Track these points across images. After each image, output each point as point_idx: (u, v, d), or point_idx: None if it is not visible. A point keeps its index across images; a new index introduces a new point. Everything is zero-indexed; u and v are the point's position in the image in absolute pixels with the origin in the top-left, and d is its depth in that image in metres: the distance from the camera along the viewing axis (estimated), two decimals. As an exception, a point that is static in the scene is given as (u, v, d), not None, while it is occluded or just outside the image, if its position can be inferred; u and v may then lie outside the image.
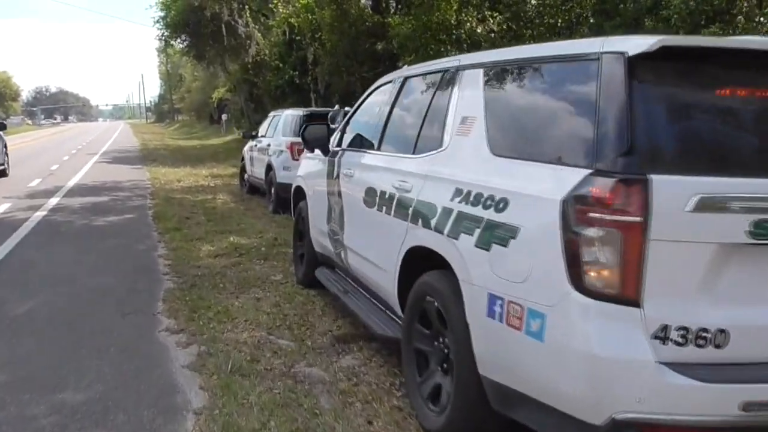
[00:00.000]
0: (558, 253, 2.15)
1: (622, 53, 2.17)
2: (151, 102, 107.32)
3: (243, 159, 12.51)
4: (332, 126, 5.18)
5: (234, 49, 23.68)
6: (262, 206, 10.57)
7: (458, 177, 2.81)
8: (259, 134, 11.55)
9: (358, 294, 4.23)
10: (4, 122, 19.06)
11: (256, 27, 20.91)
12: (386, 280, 3.52)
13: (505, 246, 2.40)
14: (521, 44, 10.71)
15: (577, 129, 2.37)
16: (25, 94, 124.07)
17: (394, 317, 3.60)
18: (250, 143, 11.89)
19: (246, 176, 12.34)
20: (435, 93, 3.43)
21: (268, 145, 10.22)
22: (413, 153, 3.42)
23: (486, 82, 2.93)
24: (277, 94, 21.10)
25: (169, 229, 8.10)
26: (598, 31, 9.65)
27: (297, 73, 18.72)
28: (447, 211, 2.80)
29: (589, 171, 2.13)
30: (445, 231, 2.78)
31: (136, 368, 3.72)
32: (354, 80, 15.93)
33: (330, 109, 11.38)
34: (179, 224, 8.49)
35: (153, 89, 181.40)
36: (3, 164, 15.01)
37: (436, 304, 2.92)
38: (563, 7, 10.37)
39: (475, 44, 12.44)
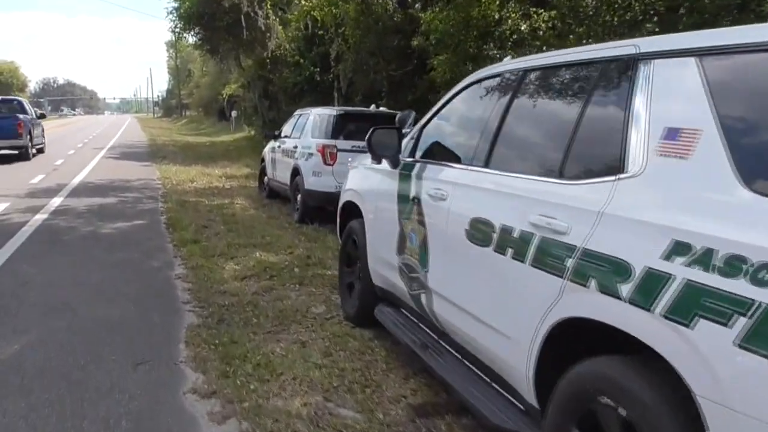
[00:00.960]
0: None
1: None
2: (158, 96, 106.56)
3: (263, 161, 11.51)
4: (404, 131, 4.16)
5: (249, 44, 22.70)
6: (285, 214, 9.58)
7: (679, 222, 1.80)
8: (282, 134, 10.55)
9: (448, 355, 3.22)
10: (44, 113, 24.44)
11: (276, 19, 19.90)
12: (511, 352, 2.51)
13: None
14: (572, 44, 9.73)
15: None
16: (33, 86, 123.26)
17: (517, 403, 2.59)
18: (272, 144, 10.90)
19: (266, 179, 11.34)
20: (592, 92, 2.42)
21: (294, 147, 9.21)
22: (560, 177, 2.41)
23: (711, 78, 1.91)
24: (294, 92, 20.10)
25: (185, 240, 7.10)
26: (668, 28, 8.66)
27: (318, 69, 17.68)
28: (659, 277, 1.78)
29: None
30: (658, 308, 1.77)
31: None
32: (380, 78, 14.92)
33: (361, 108, 10.40)
34: (197, 235, 7.49)
35: (161, 84, 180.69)
36: (42, 144, 20.08)
37: (621, 413, 1.90)
38: (624, 3, 9.36)
39: (518, 43, 11.45)
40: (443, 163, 3.43)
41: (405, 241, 3.62)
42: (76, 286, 5.28)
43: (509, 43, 11.33)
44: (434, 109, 3.86)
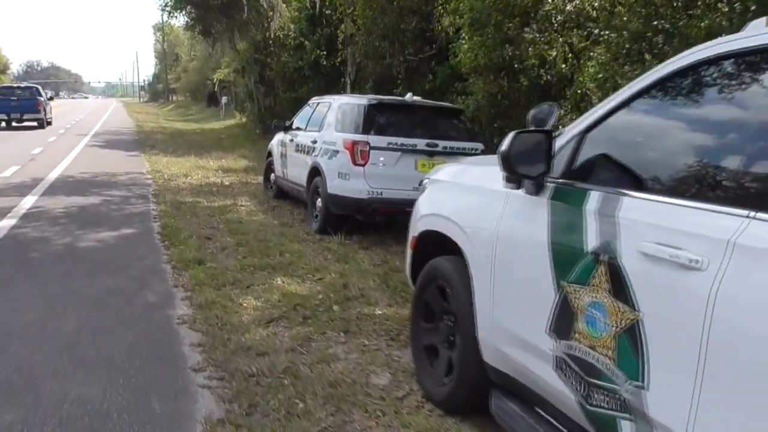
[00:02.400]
0: None
1: None
2: (144, 81, 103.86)
3: (269, 155, 10.02)
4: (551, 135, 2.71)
5: (245, 25, 21.10)
6: (299, 220, 8.14)
7: None
8: (294, 126, 9.08)
9: None
10: (53, 96, 32.63)
11: (277, -2, 18.35)
12: None
13: None
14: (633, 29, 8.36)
15: None
16: (16, 68, 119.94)
17: None
18: (281, 137, 9.42)
19: (272, 177, 9.87)
20: None
21: (313, 142, 7.75)
22: None
23: None
24: (294, 78, 18.56)
25: (187, 260, 5.64)
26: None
27: (325, 53, 16.14)
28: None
29: None
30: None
31: None
32: (397, 63, 13.45)
33: (395, 97, 8.93)
34: (200, 251, 6.04)
35: (147, 68, 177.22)
36: (50, 117, 27.30)
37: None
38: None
39: (564, 25, 10.04)
40: (674, 197, 1.99)
41: (573, 319, 2.21)
42: (44, 341, 3.80)
43: (555, 25, 9.92)
44: (610, 102, 2.42)
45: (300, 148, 8.28)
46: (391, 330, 4.33)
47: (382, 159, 6.77)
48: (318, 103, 8.54)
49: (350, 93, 13.84)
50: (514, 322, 2.60)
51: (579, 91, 9.48)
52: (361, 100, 7.24)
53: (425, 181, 3.87)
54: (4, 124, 25.08)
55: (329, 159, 7.20)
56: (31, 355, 3.57)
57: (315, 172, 7.58)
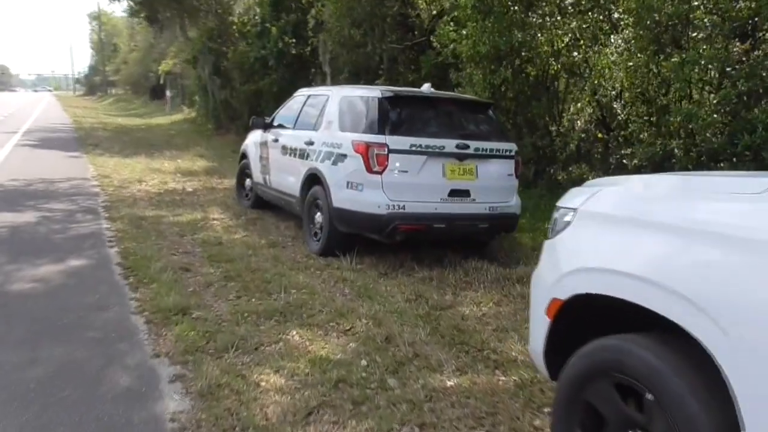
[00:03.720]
0: None
1: None
2: (80, 73, 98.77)
3: (243, 157, 8.50)
4: None
5: (196, 11, 19.31)
6: (290, 236, 6.73)
7: None
8: (275, 123, 7.62)
9: None
10: None
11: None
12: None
13: None
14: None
15: None
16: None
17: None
18: (258, 136, 7.94)
19: (248, 183, 8.38)
20: None
21: (309, 143, 6.32)
22: None
23: None
24: (254, 68, 16.91)
25: (166, 310, 4.16)
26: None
27: (294, 41, 14.57)
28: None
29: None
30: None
31: None
32: (380, 52, 12.06)
33: (411, 89, 7.55)
34: (180, 292, 4.57)
35: (83, 59, 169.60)
36: None
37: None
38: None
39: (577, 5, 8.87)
40: None
41: None
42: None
43: (568, 7, 8.73)
44: None
45: (289, 151, 6.83)
46: (481, 416, 3.01)
47: (403, 165, 5.42)
48: (309, 96, 7.10)
49: (329, 84, 12.38)
50: None
51: (596, 81, 8.34)
52: (372, 92, 5.85)
53: (562, 214, 2.53)
54: None
55: (333, 165, 5.80)
56: None
57: (313, 180, 6.16)
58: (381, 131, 5.45)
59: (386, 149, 5.38)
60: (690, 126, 6.69)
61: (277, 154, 7.17)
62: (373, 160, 5.39)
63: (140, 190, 9.32)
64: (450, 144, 5.52)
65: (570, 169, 8.31)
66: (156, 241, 6.14)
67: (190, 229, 6.78)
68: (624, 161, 7.89)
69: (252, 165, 8.08)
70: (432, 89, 6.10)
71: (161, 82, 35.82)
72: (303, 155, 6.43)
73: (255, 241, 6.42)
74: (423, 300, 4.75)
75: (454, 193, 5.56)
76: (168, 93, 35.64)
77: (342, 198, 5.65)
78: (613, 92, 8.34)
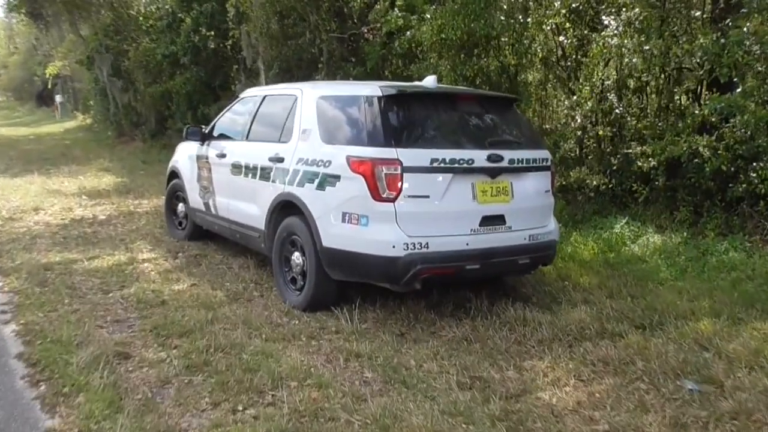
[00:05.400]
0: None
1: None
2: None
3: (173, 176, 6.76)
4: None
5: (87, 5, 16.94)
6: (254, 281, 5.18)
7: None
8: (216, 132, 6.00)
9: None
10: None
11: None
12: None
13: None
14: None
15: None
16: None
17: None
18: (191, 149, 6.26)
19: (180, 208, 6.68)
20: None
21: (277, 159, 4.75)
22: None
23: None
24: (161, 67, 14.90)
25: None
26: None
27: (211, 34, 12.70)
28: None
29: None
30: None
31: None
32: (319, 44, 10.49)
33: (414, 83, 6.05)
34: (122, 407, 2.94)
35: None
36: None
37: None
38: None
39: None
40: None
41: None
42: None
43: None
44: None
45: (244, 170, 5.23)
46: None
47: (423, 187, 3.99)
48: (264, 98, 5.49)
49: (264, 83, 10.70)
50: None
51: (595, 70, 7.24)
52: (366, 89, 4.36)
53: None
54: None
55: (319, 189, 4.28)
56: None
57: (286, 209, 4.62)
58: (389, 142, 3.99)
59: (399, 167, 3.92)
60: (730, 121, 5.65)
61: (225, 173, 5.54)
62: (383, 183, 3.92)
63: (38, 222, 7.36)
64: (479, 156, 4.14)
65: (570, 173, 7.13)
66: (71, 306, 4.41)
67: (116, 281, 5.06)
68: (633, 161, 6.79)
69: (187, 186, 6.38)
70: (437, 83, 4.68)
71: (49, 86, 32.41)
72: (266, 176, 4.86)
73: (209, 295, 4.79)
74: (482, 384, 3.35)
75: (487, 221, 4.19)
76: (58, 98, 32.32)
77: (336, 235, 4.15)
78: (609, 82, 7.24)
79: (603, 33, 6.95)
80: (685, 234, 6.21)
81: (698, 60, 6.01)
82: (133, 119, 17.93)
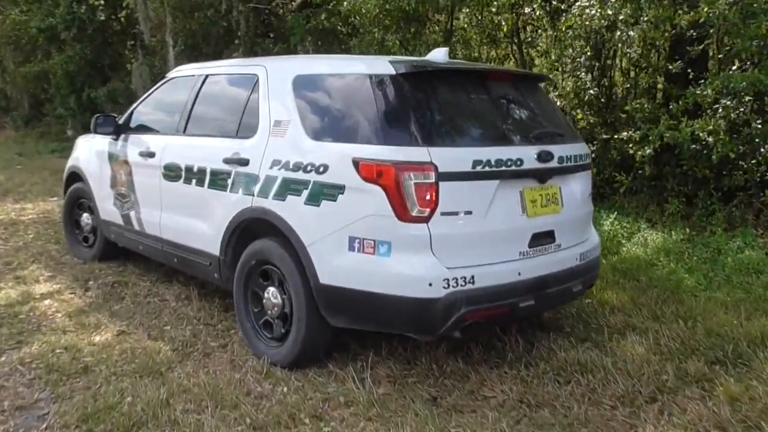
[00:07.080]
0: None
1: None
2: None
3: (74, 178, 5.26)
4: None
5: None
6: (201, 319, 3.93)
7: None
8: (132, 123, 4.62)
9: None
10: None
11: None
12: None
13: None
14: None
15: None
16: None
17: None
18: (101, 144, 4.83)
19: (86, 219, 5.21)
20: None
21: (240, 161, 3.48)
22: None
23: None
24: (36, 43, 12.81)
25: None
26: None
27: (101, 3, 10.79)
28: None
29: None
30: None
31: None
32: (236, 16, 9.04)
33: (381, 56, 4.78)
34: None
35: None
36: None
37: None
38: None
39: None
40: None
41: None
42: None
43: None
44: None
45: (185, 174, 3.91)
46: None
47: (464, 200, 2.91)
48: (205, 78, 4.14)
49: (172, 63, 9.11)
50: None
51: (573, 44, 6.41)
52: (370, 66, 3.19)
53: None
54: None
55: (311, 204, 3.08)
56: None
57: (254, 228, 3.38)
58: (415, 140, 2.87)
59: (434, 173, 2.81)
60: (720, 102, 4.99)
61: (154, 178, 4.18)
62: (411, 196, 2.80)
63: None
64: (529, 155, 3.10)
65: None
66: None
67: (8, 333, 3.63)
68: (612, 147, 6.08)
69: (95, 193, 4.92)
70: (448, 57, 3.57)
71: None
72: (221, 184, 3.59)
73: (148, 349, 3.48)
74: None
75: (536, 240, 3.17)
76: None
77: (340, 268, 2.98)
78: (583, 59, 6.45)
79: (578, 3, 6.13)
80: (680, 228, 5.58)
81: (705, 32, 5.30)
82: (1, 104, 15.53)
